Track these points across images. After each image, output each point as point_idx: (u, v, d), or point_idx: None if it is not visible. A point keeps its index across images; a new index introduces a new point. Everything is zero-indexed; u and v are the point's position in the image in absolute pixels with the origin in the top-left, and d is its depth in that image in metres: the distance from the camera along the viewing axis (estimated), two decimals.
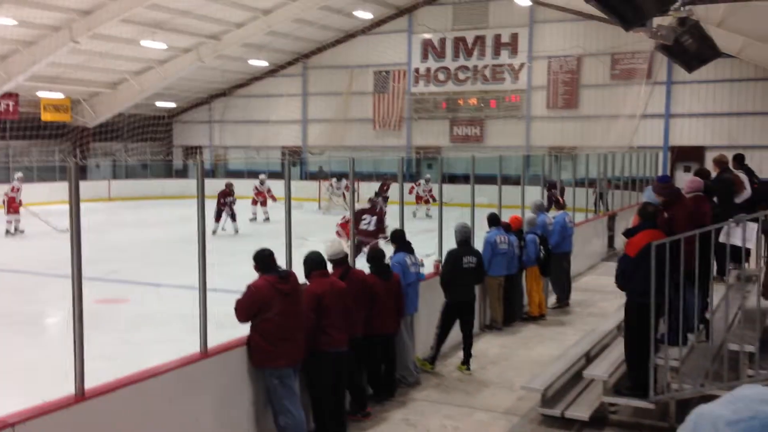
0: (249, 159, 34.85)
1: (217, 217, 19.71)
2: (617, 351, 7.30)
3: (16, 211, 20.13)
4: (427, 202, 24.63)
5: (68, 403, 4.42)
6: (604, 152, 18.05)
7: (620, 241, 16.97)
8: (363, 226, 12.75)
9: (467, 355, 8.30)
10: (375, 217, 13.20)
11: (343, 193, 26.19)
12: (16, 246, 18.56)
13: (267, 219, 22.52)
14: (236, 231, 20.05)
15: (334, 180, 26.85)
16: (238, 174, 32.32)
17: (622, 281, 6.80)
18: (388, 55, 32.29)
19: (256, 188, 23.12)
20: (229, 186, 20.51)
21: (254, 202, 23.06)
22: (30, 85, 27.84)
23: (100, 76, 30.40)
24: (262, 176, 23.42)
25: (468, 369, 8.20)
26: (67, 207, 4.52)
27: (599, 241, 16.14)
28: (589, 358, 7.74)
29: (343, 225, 14.24)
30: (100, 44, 26.35)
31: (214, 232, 18.90)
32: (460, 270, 8.18)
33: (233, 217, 20.18)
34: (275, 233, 17.77)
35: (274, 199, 22.18)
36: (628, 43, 26.19)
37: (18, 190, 20.34)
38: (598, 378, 6.76)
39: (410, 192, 24.18)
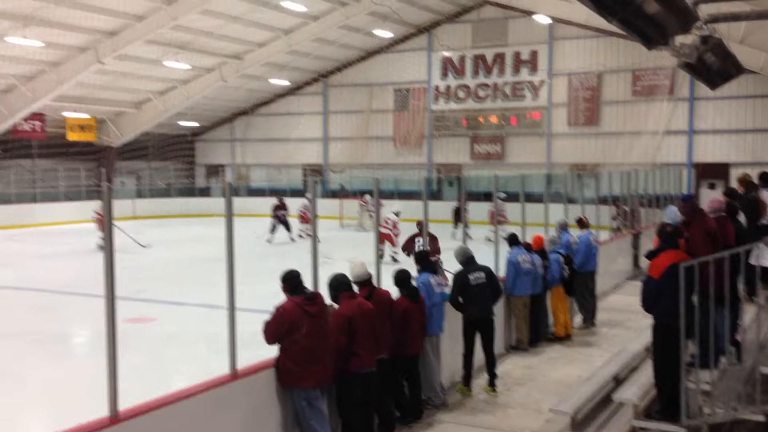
0: (271, 178, 35.12)
1: (273, 229, 22.41)
2: (647, 373, 7.22)
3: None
4: (500, 223, 22.98)
5: (103, 425, 4.45)
6: (627, 169, 17.96)
7: (645, 260, 16.88)
8: (419, 248, 13.05)
9: (491, 376, 8.27)
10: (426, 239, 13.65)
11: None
12: (40, 264, 18.77)
13: (308, 235, 22.89)
14: (292, 240, 22.55)
15: (367, 196, 26.91)
16: (260, 192, 32.54)
17: (648, 304, 6.74)
18: (408, 73, 32.50)
19: (305, 207, 23.51)
20: (280, 199, 23.11)
21: (303, 220, 23.47)
22: (56, 105, 28.30)
23: (124, 96, 30.84)
24: (309, 195, 24.01)
25: (494, 390, 8.16)
26: (91, 225, 4.59)
27: (624, 259, 16.01)
28: (618, 380, 7.67)
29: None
30: (125, 65, 26.77)
31: (269, 241, 21.95)
32: (469, 287, 8.15)
33: (288, 227, 22.67)
34: (297, 251, 17.77)
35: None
36: (650, 59, 26.14)
37: None
38: (628, 401, 6.68)
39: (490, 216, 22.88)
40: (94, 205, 21.69)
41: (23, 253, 20.68)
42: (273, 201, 23.28)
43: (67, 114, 30.08)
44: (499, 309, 9.83)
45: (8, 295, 14.44)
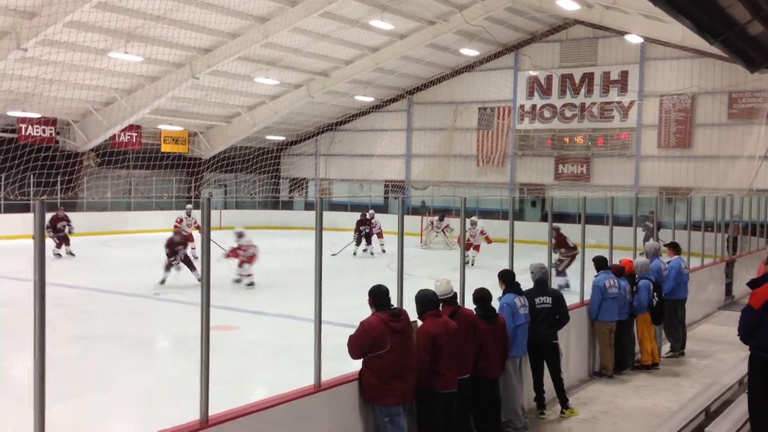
0: (353, 193, 35.50)
1: (358, 242, 23.15)
2: (741, 408, 6.91)
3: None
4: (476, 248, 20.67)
5: (193, 428, 4.58)
6: (722, 195, 17.29)
7: (739, 289, 16.14)
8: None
9: (562, 399, 8.15)
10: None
11: (443, 231, 26.32)
12: (132, 270, 19.51)
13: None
14: (371, 253, 23.14)
15: (436, 218, 26.97)
16: (342, 207, 32.95)
17: (744, 334, 6.47)
18: (494, 91, 32.34)
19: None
20: (363, 215, 23.68)
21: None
22: (152, 118, 29.54)
23: (216, 110, 31.90)
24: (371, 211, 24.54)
25: (563, 411, 8.05)
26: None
27: (716, 288, 15.37)
28: (708, 413, 7.36)
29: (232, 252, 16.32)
30: (217, 80, 27.70)
31: (354, 254, 22.61)
32: (534, 310, 8.00)
33: (369, 240, 23.35)
34: (376, 267, 17.79)
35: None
36: (748, 81, 25.17)
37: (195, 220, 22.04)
38: None
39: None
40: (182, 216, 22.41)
41: (117, 259, 21.59)
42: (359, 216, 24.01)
43: (162, 126, 31.35)
44: (583, 334, 9.63)
45: (103, 298, 15.08)
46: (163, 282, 16.13)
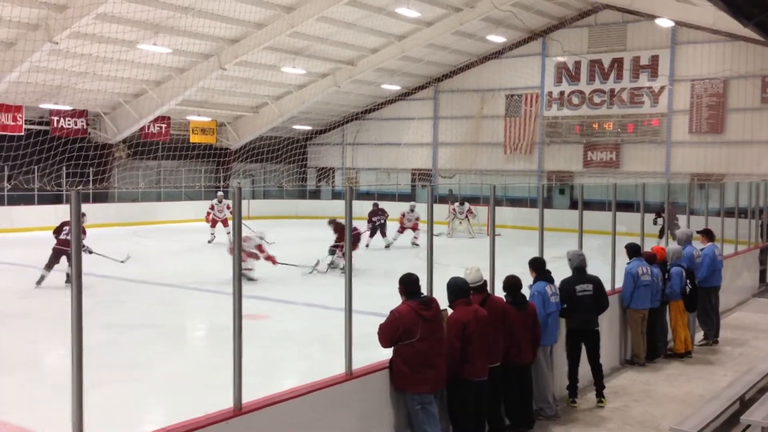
0: (380, 181, 35.50)
1: (372, 234, 22.44)
2: None
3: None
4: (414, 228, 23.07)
5: (227, 416, 4.63)
6: (757, 181, 16.97)
7: None
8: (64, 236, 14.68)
9: (599, 387, 8.07)
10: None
11: (467, 217, 26.16)
12: (162, 259, 19.75)
13: (416, 244, 22.75)
14: (386, 246, 22.50)
15: (456, 204, 26.79)
16: (370, 196, 32.98)
17: None
18: (521, 78, 32.04)
19: (404, 215, 23.45)
20: (375, 205, 23.20)
21: (401, 230, 23.32)
22: (181, 109, 29.77)
23: (243, 101, 32.05)
24: (412, 204, 24.11)
25: (600, 401, 7.98)
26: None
27: (750, 275, 15.14)
28: (743, 402, 7.25)
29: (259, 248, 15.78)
30: (244, 70, 27.81)
31: (366, 246, 21.61)
32: (575, 298, 7.93)
33: (383, 233, 22.67)
34: (405, 256, 17.74)
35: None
36: None
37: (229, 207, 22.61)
38: (757, 424, 6.31)
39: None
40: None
41: (148, 249, 21.82)
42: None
43: (190, 117, 31.59)
44: (614, 322, 9.54)
45: (134, 288, 15.28)
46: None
